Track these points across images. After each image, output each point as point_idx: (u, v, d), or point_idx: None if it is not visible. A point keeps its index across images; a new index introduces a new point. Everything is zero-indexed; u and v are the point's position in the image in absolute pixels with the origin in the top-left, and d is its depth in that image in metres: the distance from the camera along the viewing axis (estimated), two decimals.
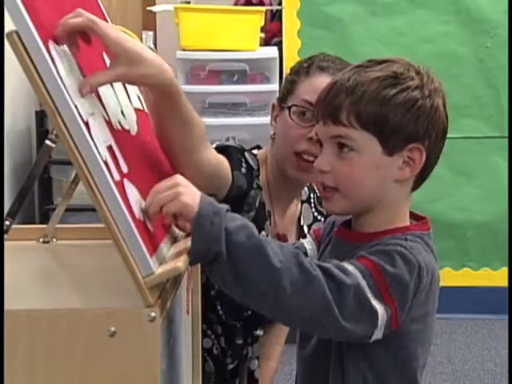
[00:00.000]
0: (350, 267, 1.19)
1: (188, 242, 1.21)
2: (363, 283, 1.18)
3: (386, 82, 1.25)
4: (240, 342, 1.82)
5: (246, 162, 1.68)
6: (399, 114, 1.24)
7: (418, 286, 1.21)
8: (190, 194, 1.12)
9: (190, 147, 1.36)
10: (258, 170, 1.72)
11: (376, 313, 1.18)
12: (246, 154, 1.70)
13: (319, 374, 1.31)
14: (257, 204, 1.69)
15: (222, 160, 1.57)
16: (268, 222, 1.73)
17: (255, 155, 1.74)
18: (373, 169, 1.25)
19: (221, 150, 1.60)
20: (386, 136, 1.24)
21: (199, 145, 1.38)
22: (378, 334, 1.20)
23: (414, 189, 1.31)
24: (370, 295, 1.17)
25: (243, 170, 1.65)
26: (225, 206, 1.15)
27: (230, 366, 1.83)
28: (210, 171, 1.47)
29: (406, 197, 1.31)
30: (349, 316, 1.16)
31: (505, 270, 3.71)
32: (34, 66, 0.99)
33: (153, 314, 1.03)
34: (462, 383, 3.22)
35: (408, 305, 1.21)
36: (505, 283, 3.62)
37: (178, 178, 1.14)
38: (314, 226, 1.81)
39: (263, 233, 1.56)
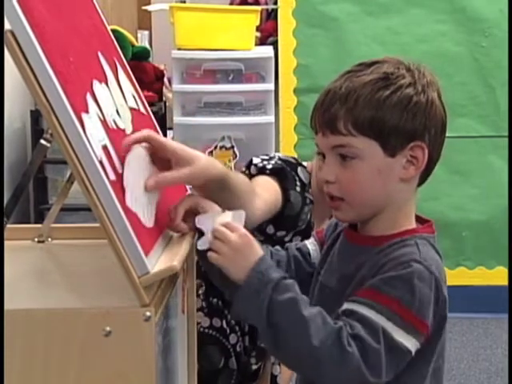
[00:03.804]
0: (370, 314, 1.18)
1: (183, 242, 1.22)
2: (389, 326, 1.18)
3: (378, 84, 1.24)
4: (263, 345, 1.83)
5: (300, 179, 1.70)
6: (396, 114, 1.23)
7: (438, 297, 1.22)
8: (237, 257, 1.19)
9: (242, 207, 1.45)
10: (310, 183, 1.73)
11: (407, 350, 1.19)
12: (299, 168, 1.72)
13: None
14: (308, 217, 1.72)
15: (269, 195, 1.60)
16: (312, 232, 1.75)
17: (305, 167, 1.76)
18: (377, 173, 1.24)
19: (276, 171, 1.65)
20: (385, 138, 1.23)
21: (247, 205, 1.43)
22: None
23: (419, 185, 1.31)
24: (398, 337, 1.18)
25: (298, 189, 1.68)
26: (279, 276, 1.19)
27: (254, 367, 1.85)
28: (259, 218, 1.53)
29: (412, 194, 1.30)
30: (385, 373, 1.18)
31: (500, 268, 3.72)
32: (29, 65, 0.98)
33: (148, 314, 1.03)
34: (457, 382, 3.22)
35: (433, 316, 1.21)
36: (500, 282, 3.63)
37: (237, 235, 1.20)
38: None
39: (309, 240, 1.55)
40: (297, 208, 1.67)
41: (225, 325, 1.77)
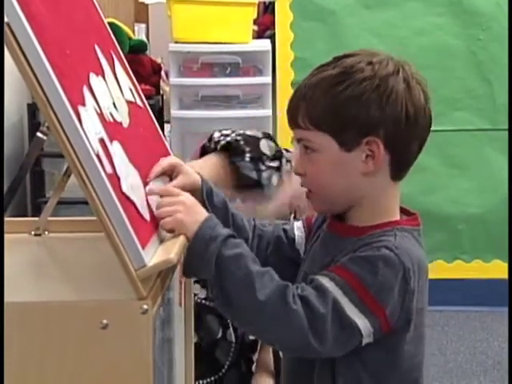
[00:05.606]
0: (328, 284, 1.20)
1: (181, 236, 1.22)
2: (344, 301, 1.19)
3: (335, 79, 1.24)
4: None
5: (251, 151, 1.74)
6: (348, 109, 1.23)
7: (405, 288, 1.21)
8: (190, 214, 1.18)
9: None
10: (276, 154, 1.76)
11: (357, 327, 1.19)
12: (262, 141, 1.77)
13: (304, 373, 1.31)
14: (275, 184, 1.76)
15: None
16: None
17: (274, 140, 1.80)
18: (334, 166, 1.25)
19: (224, 148, 1.72)
20: (339, 133, 1.24)
21: None
22: (367, 340, 1.22)
23: (395, 178, 1.28)
24: (349, 312, 1.19)
25: (247, 159, 1.73)
26: (228, 233, 1.20)
27: (251, 337, 1.84)
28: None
29: (388, 188, 1.28)
30: (331, 344, 1.19)
31: (497, 262, 3.73)
32: (26, 59, 0.98)
33: (145, 307, 1.03)
34: (454, 375, 3.24)
35: (399, 306, 1.21)
36: (497, 275, 3.64)
37: (185, 196, 1.21)
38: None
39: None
40: (252, 176, 1.73)
41: None
